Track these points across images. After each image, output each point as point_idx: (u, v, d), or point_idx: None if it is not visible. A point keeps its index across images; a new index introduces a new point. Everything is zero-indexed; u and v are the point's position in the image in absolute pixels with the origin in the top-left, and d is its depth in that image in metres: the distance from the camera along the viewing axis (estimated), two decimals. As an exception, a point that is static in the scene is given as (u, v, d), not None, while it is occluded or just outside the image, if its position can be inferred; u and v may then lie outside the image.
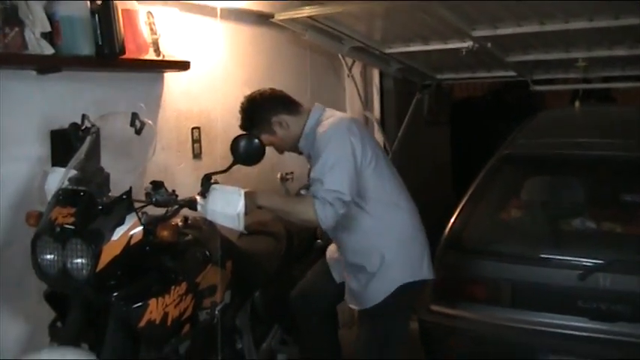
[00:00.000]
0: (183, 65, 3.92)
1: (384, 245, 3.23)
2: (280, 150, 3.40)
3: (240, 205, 2.77)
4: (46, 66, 3.21)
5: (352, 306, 3.43)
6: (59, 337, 2.80)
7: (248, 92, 3.36)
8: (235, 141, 2.89)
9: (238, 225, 2.80)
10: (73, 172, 2.79)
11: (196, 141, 4.20)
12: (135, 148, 3.56)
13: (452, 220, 3.86)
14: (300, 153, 3.34)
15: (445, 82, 5.78)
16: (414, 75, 5.49)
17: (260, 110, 3.26)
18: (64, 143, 3.05)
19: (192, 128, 4.17)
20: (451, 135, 7.74)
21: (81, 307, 2.75)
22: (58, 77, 3.29)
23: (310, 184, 3.07)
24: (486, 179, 4.06)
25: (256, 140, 2.89)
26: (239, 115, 3.32)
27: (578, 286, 3.42)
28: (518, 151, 4.20)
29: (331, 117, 3.22)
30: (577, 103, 5.15)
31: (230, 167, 2.91)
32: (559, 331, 3.47)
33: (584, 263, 3.45)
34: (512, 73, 5.18)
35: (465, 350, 3.62)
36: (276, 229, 3.77)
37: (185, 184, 3.68)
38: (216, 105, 4.32)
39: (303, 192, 3.19)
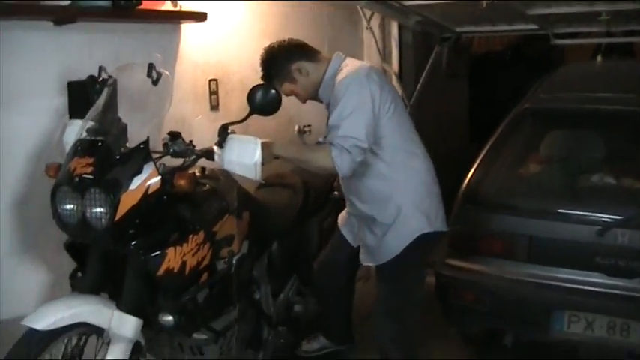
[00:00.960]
0: (200, 16, 3.89)
1: (400, 194, 3.20)
2: (302, 99, 3.36)
3: (256, 155, 2.77)
4: (62, 17, 3.19)
5: (369, 263, 3.42)
6: (79, 286, 2.85)
7: (265, 44, 3.32)
8: (252, 91, 2.86)
9: (255, 175, 2.80)
10: (90, 124, 2.80)
11: (213, 93, 4.19)
12: (151, 99, 3.56)
13: (470, 174, 3.84)
14: (321, 101, 3.31)
15: (464, 35, 5.71)
16: (433, 28, 5.42)
17: (279, 59, 3.23)
18: (82, 95, 3.03)
19: (210, 80, 4.16)
20: (470, 89, 7.67)
21: (100, 256, 2.80)
22: (74, 28, 3.27)
23: (327, 132, 3.04)
24: (505, 133, 4.02)
25: (273, 90, 2.87)
26: (257, 67, 3.30)
27: (596, 241, 3.41)
28: (539, 105, 4.15)
29: (351, 65, 3.19)
30: (599, 58, 5.07)
31: (247, 117, 2.89)
32: (575, 286, 3.47)
33: (603, 219, 3.44)
34: (533, 27, 5.10)
35: (481, 304, 3.63)
36: (293, 182, 3.77)
37: (202, 136, 3.67)
38: (233, 56, 4.29)
39: (321, 139, 3.16)
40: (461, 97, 7.39)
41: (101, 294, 2.89)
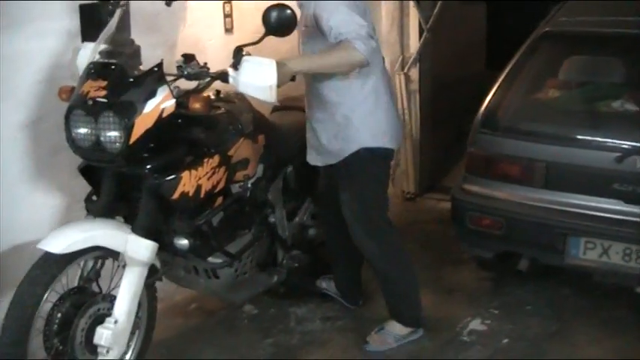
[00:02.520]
0: (213, -64, 3.80)
1: (348, 105, 3.23)
2: None
3: (272, 77, 2.70)
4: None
5: (316, 163, 3.45)
6: (94, 209, 2.86)
7: None
8: (267, 11, 2.78)
9: (270, 97, 2.74)
10: (103, 46, 2.77)
11: (227, 16, 4.12)
12: (164, 22, 3.52)
13: (487, 98, 3.79)
14: None
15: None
16: (451, -51, 5.29)
17: None
18: (94, 18, 2.99)
19: (224, 2, 4.08)
20: (487, 12, 7.53)
21: (114, 179, 2.80)
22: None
23: (330, 32, 2.97)
24: (524, 57, 3.94)
25: (288, 10, 2.79)
26: None
27: (614, 168, 3.38)
28: (558, 28, 4.06)
29: None
30: (622, -20, 4.93)
31: (262, 39, 2.81)
32: (592, 213, 3.45)
33: (622, 146, 3.40)
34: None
35: (497, 229, 3.62)
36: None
37: (216, 59, 3.60)
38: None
39: (332, 40, 3.00)
40: (478, 21, 7.25)
41: (116, 217, 2.90)
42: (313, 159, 3.46)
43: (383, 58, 3.46)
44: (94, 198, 2.98)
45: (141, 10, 3.18)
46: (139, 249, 2.74)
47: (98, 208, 2.83)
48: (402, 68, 5.32)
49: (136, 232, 2.74)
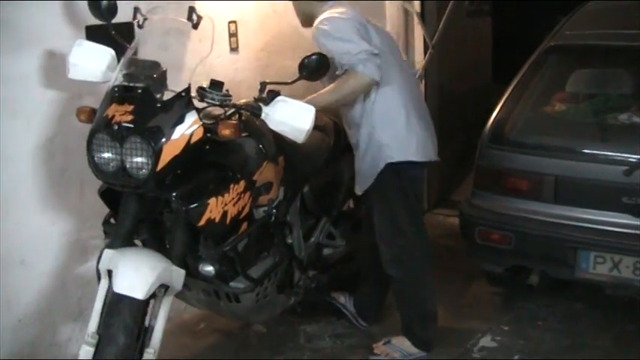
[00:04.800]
0: (219, -44, 3.81)
1: (370, 120, 3.31)
2: (300, 20, 3.54)
3: (310, 121, 2.74)
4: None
5: (358, 191, 3.49)
6: (114, 233, 2.82)
7: None
8: (307, 58, 2.88)
9: (303, 139, 2.78)
10: (126, 69, 2.73)
11: (233, 35, 4.12)
12: (172, 40, 3.51)
13: (495, 112, 3.79)
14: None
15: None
16: (455, -35, 5.29)
17: None
18: (100, 38, 2.96)
19: (229, 22, 4.09)
20: (493, 26, 7.54)
21: (137, 204, 2.75)
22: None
23: (339, 63, 3.13)
24: (531, 71, 3.95)
25: (325, 57, 2.91)
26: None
27: (623, 182, 3.37)
28: (565, 42, 4.06)
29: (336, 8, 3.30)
30: (627, -7, 4.94)
31: (295, 81, 2.89)
32: (601, 227, 3.45)
33: (630, 159, 3.39)
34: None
35: (506, 244, 3.61)
36: (323, 122, 3.72)
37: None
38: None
39: (338, 72, 3.19)
40: (484, 36, 7.26)
41: (135, 241, 2.90)
42: (356, 187, 3.49)
43: (403, 67, 3.52)
44: (112, 221, 2.96)
45: (149, 28, 3.19)
46: (179, 279, 2.72)
47: (120, 233, 2.77)
48: (409, 84, 5.31)
49: (175, 262, 2.71)
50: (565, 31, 4.19)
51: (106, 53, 2.80)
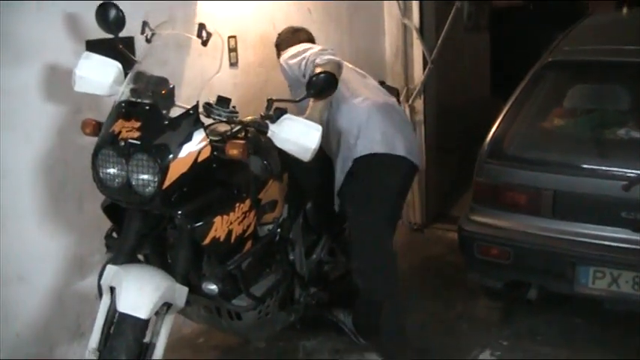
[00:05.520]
0: (219, -28, 3.83)
1: (338, 128, 3.49)
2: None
3: (317, 140, 2.73)
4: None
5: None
6: (116, 248, 2.80)
7: None
8: (315, 76, 2.88)
9: (309, 157, 2.77)
10: (133, 84, 2.71)
11: (232, 50, 4.13)
12: (171, 54, 3.52)
13: (493, 127, 3.80)
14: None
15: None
16: (454, -19, 5.32)
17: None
18: (99, 52, 2.91)
19: (229, 37, 4.10)
20: (492, 42, 7.58)
21: (141, 220, 2.74)
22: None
23: (305, 75, 3.30)
24: (529, 87, 3.96)
25: (332, 76, 2.90)
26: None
27: (621, 197, 3.37)
28: (563, 57, 4.07)
29: None
30: (624, 9, 4.96)
31: (302, 99, 2.92)
32: (600, 242, 3.45)
33: (629, 174, 3.39)
34: (556, -22, 5.00)
35: (505, 259, 3.61)
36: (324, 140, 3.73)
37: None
38: (252, 12, 4.23)
39: (304, 80, 3.24)
40: (482, 51, 7.29)
41: (138, 256, 2.88)
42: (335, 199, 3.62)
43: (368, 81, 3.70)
44: (114, 235, 2.95)
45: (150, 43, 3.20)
46: (182, 297, 2.70)
47: (123, 249, 2.75)
48: (407, 99, 5.34)
49: (178, 280, 2.69)
50: (563, 46, 4.21)
51: (113, 67, 2.79)
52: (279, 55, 3.77)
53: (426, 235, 5.50)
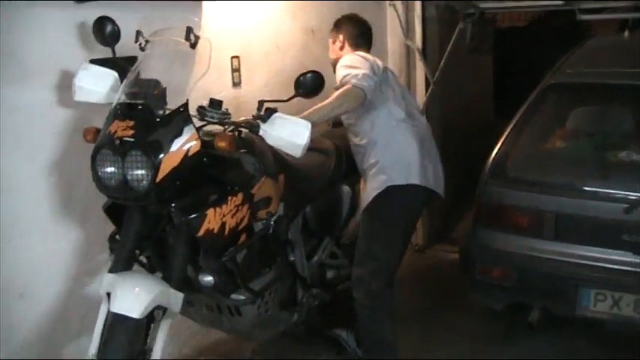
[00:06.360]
0: (222, -8, 3.86)
1: (378, 149, 3.52)
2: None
3: (306, 137, 2.84)
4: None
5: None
6: (115, 256, 2.88)
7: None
8: (302, 75, 2.99)
9: (300, 154, 2.87)
10: (129, 88, 2.82)
11: (236, 70, 4.15)
12: (175, 71, 3.55)
13: (496, 149, 3.81)
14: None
15: (489, 11, 5.63)
16: (456, 4, 5.34)
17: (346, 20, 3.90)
18: None
19: (232, 57, 4.12)
20: (494, 64, 7.61)
21: (139, 218, 2.83)
22: (95, 6, 3.25)
23: (340, 82, 3.42)
24: (532, 109, 3.98)
25: (320, 75, 2.99)
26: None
27: (623, 219, 3.38)
28: (565, 79, 4.09)
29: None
30: (626, 32, 4.98)
31: (291, 98, 2.99)
32: (602, 264, 3.45)
33: (631, 196, 3.40)
34: (558, 2, 5.02)
35: (507, 281, 3.61)
36: (325, 146, 3.83)
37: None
38: (256, 33, 4.26)
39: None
40: (485, 72, 7.32)
41: (138, 254, 2.96)
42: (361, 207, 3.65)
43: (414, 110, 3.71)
44: (118, 237, 3.03)
45: (153, 62, 3.23)
46: (177, 302, 2.80)
47: (121, 256, 2.84)
48: (410, 120, 5.34)
49: (173, 286, 2.78)
50: (566, 68, 4.23)
51: (110, 76, 2.93)
52: (333, 37, 3.86)
53: (427, 255, 5.49)
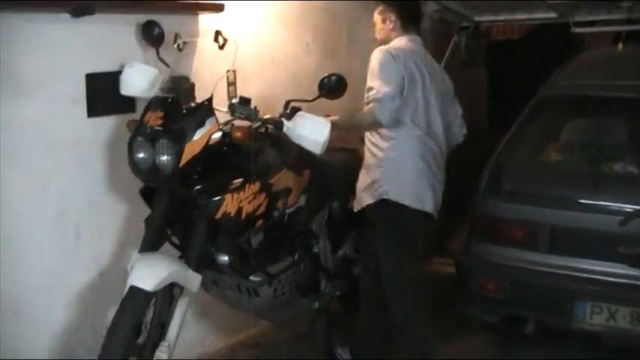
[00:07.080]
0: (218, 7, 3.87)
1: (385, 164, 3.52)
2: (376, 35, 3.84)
3: (327, 134, 3.02)
4: (79, 9, 3.19)
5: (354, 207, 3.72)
6: (142, 238, 3.12)
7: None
8: (326, 77, 3.20)
9: (320, 150, 3.06)
10: (164, 83, 3.17)
11: (231, 84, 4.15)
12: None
13: (490, 162, 3.82)
14: None
15: (483, 24, 5.65)
16: (451, 16, 5.36)
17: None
18: (99, 86, 3.33)
19: (227, 71, 4.12)
20: (489, 77, 7.62)
21: (166, 200, 3.09)
22: (92, 21, 3.26)
23: (366, 93, 3.48)
24: (526, 122, 3.99)
25: (342, 78, 3.19)
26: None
27: (618, 231, 3.39)
28: (559, 92, 4.12)
29: (397, 43, 3.64)
30: (620, 45, 5.00)
31: (315, 99, 3.19)
32: (598, 277, 3.45)
33: (626, 208, 3.41)
34: (552, 15, 5.04)
35: (502, 294, 3.61)
36: (355, 147, 3.95)
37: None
38: (252, 46, 4.26)
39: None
40: (479, 85, 7.33)
41: (166, 230, 3.22)
42: (354, 203, 3.73)
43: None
44: None
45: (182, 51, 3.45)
46: (195, 282, 3.03)
47: (147, 238, 3.10)
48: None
49: (191, 266, 3.01)
50: (560, 81, 4.25)
51: (151, 72, 3.21)
52: (383, 14, 3.74)
53: (422, 268, 5.47)
